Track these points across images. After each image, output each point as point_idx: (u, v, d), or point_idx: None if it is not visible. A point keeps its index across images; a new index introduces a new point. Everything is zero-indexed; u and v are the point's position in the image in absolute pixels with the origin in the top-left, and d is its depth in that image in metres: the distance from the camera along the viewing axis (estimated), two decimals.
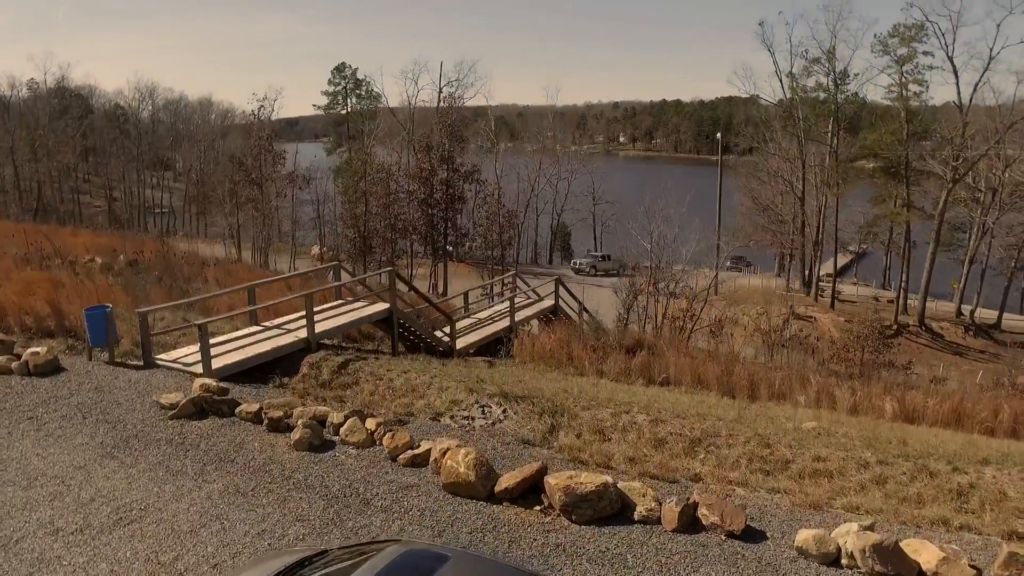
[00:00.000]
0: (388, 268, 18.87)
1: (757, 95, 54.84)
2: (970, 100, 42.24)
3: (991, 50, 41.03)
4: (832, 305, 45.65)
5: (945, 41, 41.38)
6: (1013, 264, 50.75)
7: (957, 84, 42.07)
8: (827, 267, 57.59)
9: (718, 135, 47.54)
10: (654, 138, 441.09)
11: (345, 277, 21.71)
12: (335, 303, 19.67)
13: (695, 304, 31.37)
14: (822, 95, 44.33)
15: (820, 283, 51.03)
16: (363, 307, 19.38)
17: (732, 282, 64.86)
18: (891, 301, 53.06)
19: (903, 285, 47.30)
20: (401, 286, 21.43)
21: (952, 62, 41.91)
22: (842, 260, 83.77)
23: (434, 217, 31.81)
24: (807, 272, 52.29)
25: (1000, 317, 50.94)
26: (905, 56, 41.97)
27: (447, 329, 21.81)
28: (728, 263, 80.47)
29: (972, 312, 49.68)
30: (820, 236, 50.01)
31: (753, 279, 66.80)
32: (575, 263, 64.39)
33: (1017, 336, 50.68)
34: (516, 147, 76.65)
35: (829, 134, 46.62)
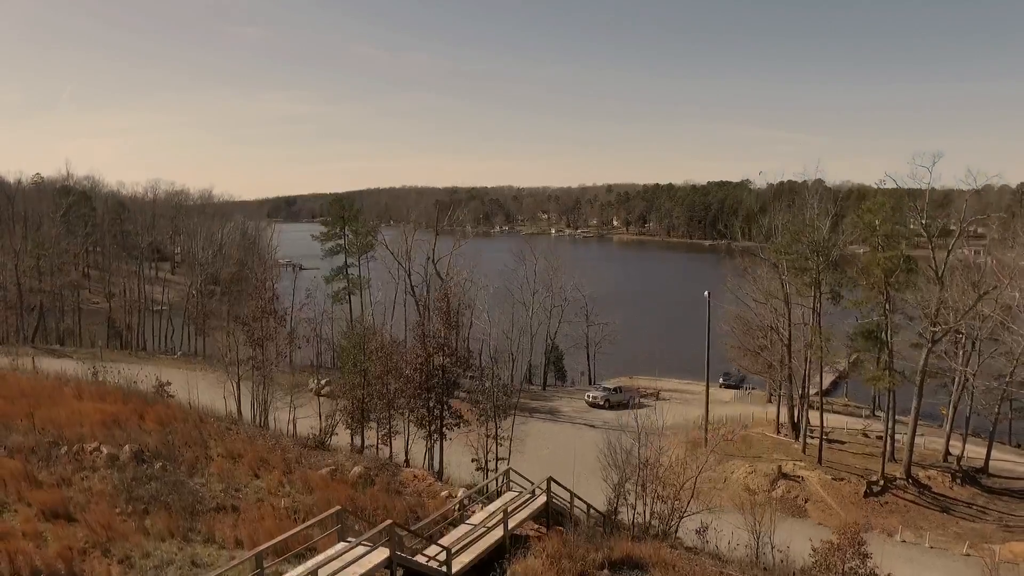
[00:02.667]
0: (387, 523, 19.71)
1: (748, 180, 56.45)
2: (944, 266, 44.23)
3: (960, 223, 43.33)
4: (820, 458, 46.41)
5: (919, 209, 43.69)
6: (996, 411, 51.92)
7: (932, 252, 44.11)
8: (818, 382, 58.19)
9: (706, 293, 49.06)
10: (647, 222, 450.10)
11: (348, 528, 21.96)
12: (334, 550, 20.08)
13: (684, 479, 31.97)
14: (804, 261, 46.23)
15: (810, 427, 51.82)
16: (364, 555, 19.63)
17: (724, 408, 66.05)
18: (880, 436, 53.78)
19: (890, 433, 48.21)
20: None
21: (926, 230, 44.06)
22: (831, 378, 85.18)
23: (430, 401, 32.88)
24: (796, 414, 53.24)
25: (987, 460, 51.71)
26: (881, 227, 44.05)
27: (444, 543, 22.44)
28: (721, 380, 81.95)
29: (959, 459, 50.45)
30: (806, 387, 51.17)
31: (744, 406, 67.77)
32: (589, 396, 67.41)
33: (1004, 481, 51.43)
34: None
35: (812, 299, 48.46)
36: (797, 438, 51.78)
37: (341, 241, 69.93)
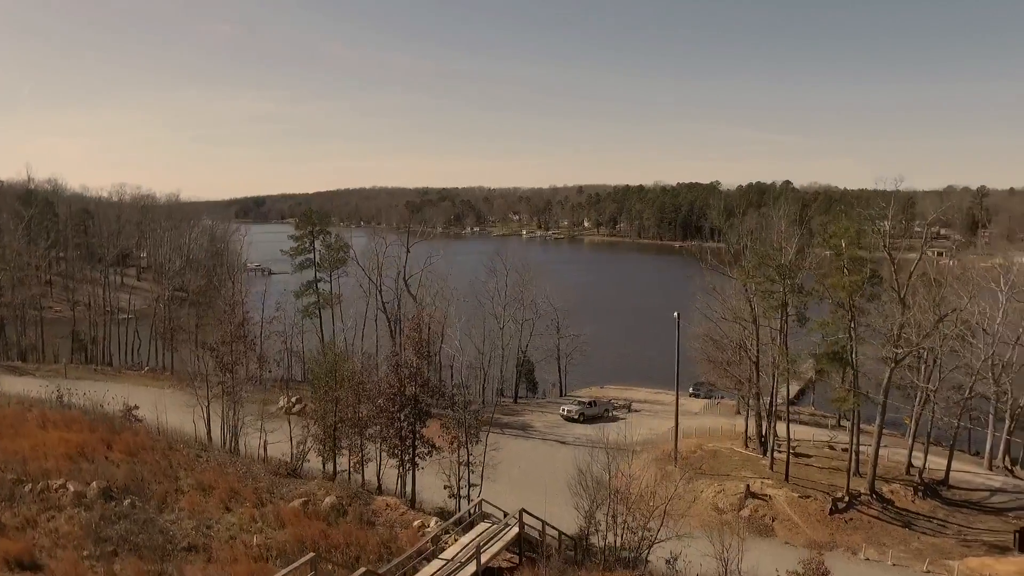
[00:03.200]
0: (361, 571, 19.82)
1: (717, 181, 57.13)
2: (906, 290, 45.36)
3: (922, 248, 44.58)
4: (787, 475, 47.25)
5: (883, 235, 44.88)
6: (956, 424, 53.34)
7: (895, 277, 45.20)
8: (785, 395, 59.16)
9: (675, 314, 49.61)
10: (618, 223, 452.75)
11: None
12: None
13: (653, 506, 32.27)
14: (771, 284, 47.00)
15: (778, 441, 52.71)
16: None
17: (694, 420, 66.89)
18: (845, 449, 54.77)
19: (855, 448, 49.23)
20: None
21: (890, 256, 45.19)
22: (798, 387, 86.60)
23: (402, 431, 32.98)
24: (764, 429, 54.12)
25: (948, 471, 53.04)
26: (847, 251, 44.91)
27: None
28: (691, 390, 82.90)
29: (921, 472, 51.69)
30: (773, 405, 52.05)
31: (713, 418, 68.63)
32: (564, 410, 67.74)
33: (963, 492, 52.83)
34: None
35: (779, 320, 49.33)
36: (765, 453, 52.63)
37: (311, 255, 69.42)
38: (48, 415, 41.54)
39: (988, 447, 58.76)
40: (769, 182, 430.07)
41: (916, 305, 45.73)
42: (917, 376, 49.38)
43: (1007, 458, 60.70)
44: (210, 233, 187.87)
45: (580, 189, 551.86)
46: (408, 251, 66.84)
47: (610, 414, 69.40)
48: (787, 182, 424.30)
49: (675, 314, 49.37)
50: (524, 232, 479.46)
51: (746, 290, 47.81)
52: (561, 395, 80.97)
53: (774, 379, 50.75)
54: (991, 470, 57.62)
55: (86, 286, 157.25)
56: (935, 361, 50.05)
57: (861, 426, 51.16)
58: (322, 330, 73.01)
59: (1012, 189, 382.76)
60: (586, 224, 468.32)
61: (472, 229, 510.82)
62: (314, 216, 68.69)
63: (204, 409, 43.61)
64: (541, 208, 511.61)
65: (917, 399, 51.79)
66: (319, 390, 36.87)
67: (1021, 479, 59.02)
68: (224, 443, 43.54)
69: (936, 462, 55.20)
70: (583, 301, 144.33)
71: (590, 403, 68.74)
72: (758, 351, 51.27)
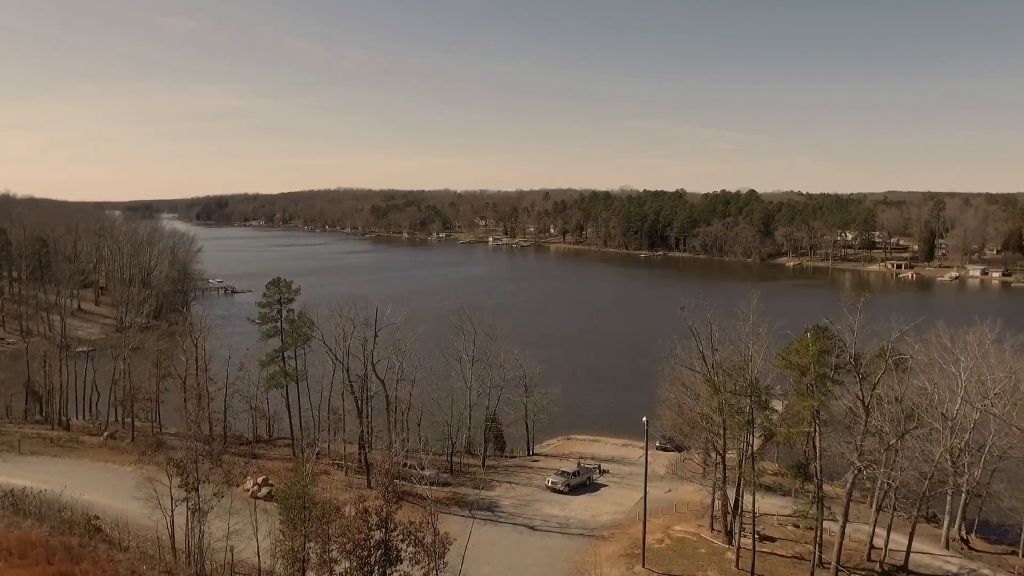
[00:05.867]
0: None
1: (682, 190, 57.34)
2: (869, 398, 46.18)
3: (887, 360, 45.62)
4: (753, 568, 47.78)
5: (849, 347, 45.91)
6: (915, 512, 54.56)
7: (860, 385, 45.99)
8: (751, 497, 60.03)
9: (643, 419, 49.77)
10: (584, 230, 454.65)
11: None
12: None
13: None
14: (738, 401, 47.46)
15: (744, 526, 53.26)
16: None
17: (659, 488, 67.19)
18: (810, 528, 55.45)
19: (819, 541, 49.98)
20: None
21: (856, 364, 45.98)
22: (761, 441, 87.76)
23: (372, 574, 32.66)
24: (729, 508, 54.67)
25: (907, 557, 54.17)
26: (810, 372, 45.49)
27: None
28: (657, 443, 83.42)
29: (882, 562, 52.75)
30: (739, 501, 52.62)
31: (680, 484, 68.89)
32: (549, 482, 67.24)
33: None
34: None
35: (744, 439, 49.94)
36: (730, 542, 53.20)
37: (277, 323, 68.26)
38: (2, 539, 40.11)
39: (946, 525, 60.14)
40: (734, 190, 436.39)
41: (879, 411, 46.54)
42: (878, 470, 50.29)
43: (963, 528, 62.22)
44: (171, 255, 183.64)
45: (547, 194, 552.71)
46: (376, 335, 66.10)
47: (592, 481, 69.54)
48: (752, 191, 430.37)
49: (643, 419, 49.54)
50: (491, 240, 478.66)
51: (718, 392, 48.12)
52: (529, 453, 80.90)
53: (739, 481, 51.27)
54: (947, 548, 58.99)
55: (41, 313, 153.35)
56: (896, 453, 50.98)
57: (824, 490, 52.01)
58: (287, 397, 71.95)
59: (968, 200, 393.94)
60: (552, 231, 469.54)
61: (438, 235, 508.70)
62: (281, 285, 67.45)
63: (168, 522, 42.69)
64: (508, 214, 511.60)
65: (877, 484, 52.78)
66: (286, 524, 36.37)
67: (976, 552, 60.67)
68: (188, 556, 42.70)
69: (897, 541, 56.26)
70: (550, 335, 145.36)
71: (574, 472, 68.51)
72: (724, 442, 51.83)
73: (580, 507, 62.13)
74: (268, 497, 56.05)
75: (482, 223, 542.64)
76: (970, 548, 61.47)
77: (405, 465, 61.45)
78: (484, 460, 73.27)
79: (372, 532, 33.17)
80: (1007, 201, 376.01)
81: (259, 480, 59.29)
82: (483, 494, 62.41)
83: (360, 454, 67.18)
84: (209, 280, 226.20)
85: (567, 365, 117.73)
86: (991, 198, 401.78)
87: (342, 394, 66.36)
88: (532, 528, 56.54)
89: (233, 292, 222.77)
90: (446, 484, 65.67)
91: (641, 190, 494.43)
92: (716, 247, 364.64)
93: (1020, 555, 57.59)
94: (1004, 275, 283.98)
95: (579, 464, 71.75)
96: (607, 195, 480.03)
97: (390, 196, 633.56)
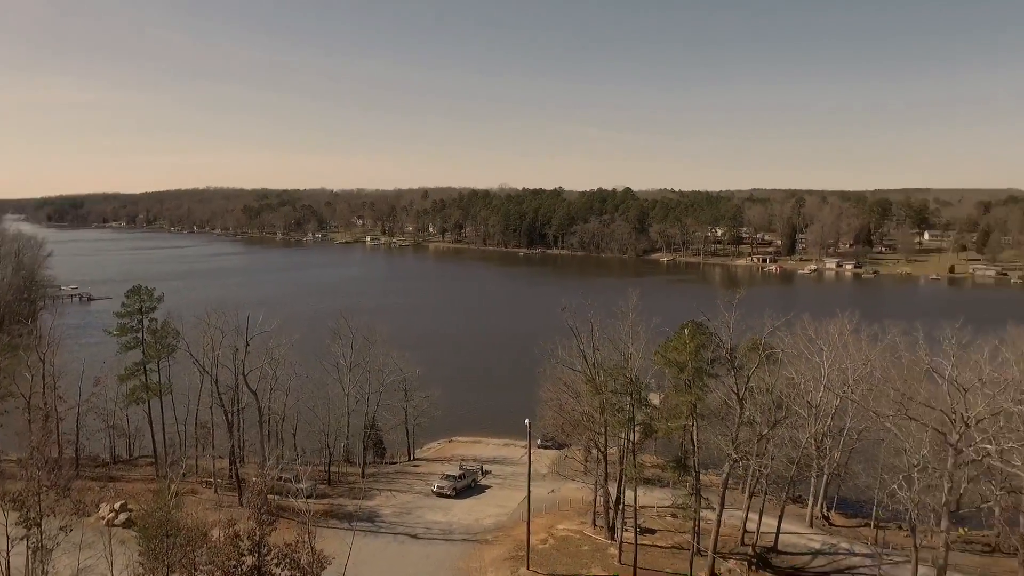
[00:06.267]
0: None
1: (560, 188, 57.63)
2: (744, 391, 48.04)
3: (759, 353, 47.71)
4: (635, 567, 48.48)
5: (724, 343, 47.54)
6: (784, 496, 57.42)
7: (735, 378, 47.71)
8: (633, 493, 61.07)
9: (526, 422, 49.46)
10: (463, 229, 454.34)
11: None
12: None
13: None
14: (619, 399, 48.06)
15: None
16: None
17: (542, 487, 67.30)
18: (690, 518, 57.05)
19: (697, 531, 51.39)
20: None
21: (731, 358, 47.62)
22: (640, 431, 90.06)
23: None
24: (612, 518, 55.39)
25: (777, 538, 56.93)
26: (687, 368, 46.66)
27: None
28: (540, 441, 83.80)
29: (754, 545, 55.02)
30: (620, 497, 53.35)
31: (562, 483, 69.28)
32: (435, 487, 65.88)
33: (790, 558, 56.82)
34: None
35: (624, 435, 50.67)
36: (613, 537, 53.90)
37: (138, 334, 63.14)
38: None
39: (810, 505, 63.82)
40: (611, 188, 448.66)
41: (752, 402, 48.40)
42: (752, 459, 52.39)
43: (824, 506, 66.25)
44: (15, 262, 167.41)
45: (426, 193, 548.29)
46: (247, 344, 62.48)
47: (477, 483, 68.83)
48: (628, 189, 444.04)
49: (526, 421, 49.24)
50: (368, 240, 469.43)
51: (599, 392, 48.49)
52: (410, 459, 79.25)
53: (620, 477, 51.98)
54: (811, 527, 62.58)
55: None
56: (767, 444, 53.29)
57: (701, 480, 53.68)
58: (150, 413, 66.85)
59: (824, 197, 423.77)
60: (431, 230, 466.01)
61: (314, 235, 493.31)
62: (143, 292, 62.36)
63: (4, 565, 38.30)
64: (386, 213, 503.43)
65: (749, 472, 55.08)
66: (149, 545, 33.38)
67: (836, 527, 64.75)
68: None
69: (768, 524, 58.91)
70: (429, 336, 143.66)
71: (459, 476, 67.54)
72: (605, 444, 52.41)
73: (463, 511, 61.21)
74: (127, 524, 51.70)
75: (360, 223, 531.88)
76: (831, 524, 65.63)
77: (280, 479, 58.54)
78: (364, 468, 71.04)
79: (244, 558, 30.95)
80: (858, 199, 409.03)
81: (116, 506, 54.54)
82: (363, 504, 60.36)
83: (231, 470, 63.45)
84: (61, 287, 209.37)
85: (448, 366, 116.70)
86: (844, 196, 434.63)
87: (211, 407, 62.35)
88: (415, 536, 55.05)
89: (90, 299, 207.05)
90: (324, 496, 63.08)
91: (520, 188, 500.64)
92: (593, 244, 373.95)
93: (872, 527, 62.11)
94: (855, 267, 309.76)
95: (462, 467, 70.92)
96: (486, 194, 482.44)
97: (263, 196, 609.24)
